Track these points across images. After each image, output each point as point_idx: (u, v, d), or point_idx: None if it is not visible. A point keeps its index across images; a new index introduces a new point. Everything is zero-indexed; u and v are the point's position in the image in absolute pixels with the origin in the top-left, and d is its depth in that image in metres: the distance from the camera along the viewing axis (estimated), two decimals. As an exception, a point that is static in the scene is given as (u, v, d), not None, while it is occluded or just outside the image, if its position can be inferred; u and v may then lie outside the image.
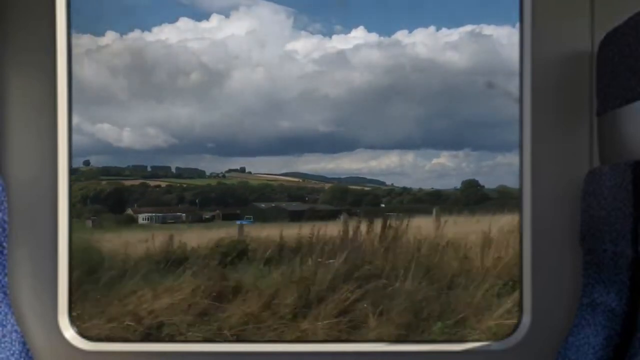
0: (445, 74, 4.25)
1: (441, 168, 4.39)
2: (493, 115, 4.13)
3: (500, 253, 3.84)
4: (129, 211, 4.45)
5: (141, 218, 4.46)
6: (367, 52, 4.30)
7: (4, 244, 1.58)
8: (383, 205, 4.62)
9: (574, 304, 1.54)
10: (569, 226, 1.57)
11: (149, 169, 4.69)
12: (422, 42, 4.23)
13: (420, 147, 4.49)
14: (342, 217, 4.25)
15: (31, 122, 1.65)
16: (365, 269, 3.80)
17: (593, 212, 1.46)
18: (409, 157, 4.47)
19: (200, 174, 4.69)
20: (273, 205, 4.63)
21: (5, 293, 1.59)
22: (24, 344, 1.61)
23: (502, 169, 4.17)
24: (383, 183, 4.73)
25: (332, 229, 4.09)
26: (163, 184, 4.66)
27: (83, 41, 3.85)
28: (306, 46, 4.30)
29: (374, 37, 4.27)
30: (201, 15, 4.66)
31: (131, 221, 4.42)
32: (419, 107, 4.39)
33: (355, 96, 4.35)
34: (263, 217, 4.52)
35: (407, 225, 4.02)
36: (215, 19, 4.27)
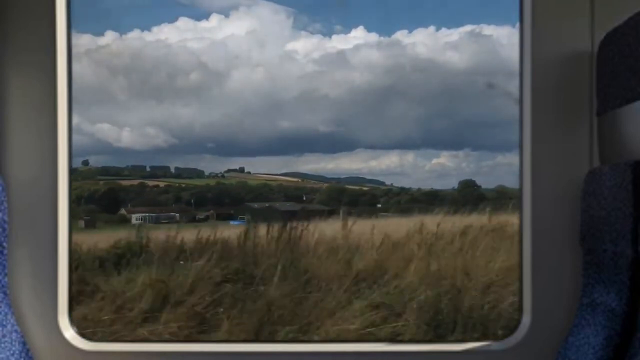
0: (445, 74, 4.25)
1: (441, 168, 4.39)
2: (493, 115, 4.13)
3: (385, 255, 3.85)
4: (123, 211, 4.44)
5: (134, 218, 4.45)
6: (367, 52, 4.30)
7: (4, 244, 1.58)
8: (379, 205, 4.62)
9: (574, 304, 1.54)
10: (569, 226, 1.57)
11: (148, 169, 4.69)
12: (422, 42, 4.23)
13: (420, 147, 4.49)
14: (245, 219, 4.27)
15: (31, 122, 1.65)
16: (239, 271, 3.77)
17: (593, 212, 1.46)
18: (409, 157, 4.47)
19: (199, 174, 4.69)
20: (266, 205, 4.62)
21: (5, 293, 1.59)
22: (24, 344, 1.61)
23: (502, 169, 4.17)
24: (382, 183, 4.72)
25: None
26: (162, 184, 4.66)
27: (82, 41, 3.85)
28: (306, 46, 4.30)
29: (373, 37, 4.27)
30: (201, 15, 4.66)
31: (124, 221, 4.41)
32: (418, 107, 4.39)
33: (355, 96, 4.34)
34: (256, 217, 4.52)
35: (307, 227, 3.99)
36: (215, 19, 4.27)
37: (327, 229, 4.10)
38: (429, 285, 3.65)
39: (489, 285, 3.67)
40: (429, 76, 4.26)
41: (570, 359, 1.44)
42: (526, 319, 1.64)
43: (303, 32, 4.43)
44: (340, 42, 4.28)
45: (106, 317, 3.48)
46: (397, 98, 4.35)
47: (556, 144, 1.61)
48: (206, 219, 4.56)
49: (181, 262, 3.82)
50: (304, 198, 4.70)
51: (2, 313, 1.56)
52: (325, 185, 4.78)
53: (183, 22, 4.24)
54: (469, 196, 4.38)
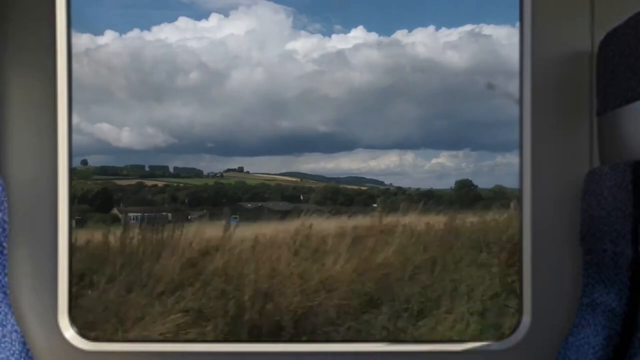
0: (444, 73, 4.25)
1: (441, 168, 4.39)
2: (493, 115, 4.13)
3: (232, 258, 3.87)
4: (115, 211, 4.43)
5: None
6: (366, 52, 4.30)
7: (4, 244, 1.58)
8: (375, 205, 4.62)
9: (574, 304, 1.54)
10: (569, 226, 1.57)
11: (146, 168, 4.69)
12: (422, 42, 4.24)
13: (420, 147, 4.49)
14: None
15: (31, 122, 1.65)
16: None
17: (593, 212, 1.46)
18: (409, 157, 4.47)
19: (197, 173, 4.69)
20: (259, 204, 4.61)
21: (5, 293, 1.59)
22: (24, 344, 1.61)
23: (501, 169, 4.18)
24: (382, 183, 4.73)
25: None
26: (160, 184, 4.65)
27: (82, 40, 3.85)
28: (306, 46, 4.30)
29: (373, 36, 4.27)
30: (200, 14, 4.66)
31: (116, 221, 4.40)
32: (418, 107, 4.39)
33: (355, 96, 4.35)
34: (249, 217, 4.51)
35: (182, 229, 4.03)
36: (214, 19, 4.27)
37: (211, 231, 4.15)
38: (245, 289, 3.70)
39: (304, 290, 3.72)
40: (429, 76, 4.27)
41: (570, 359, 1.44)
42: (526, 319, 1.64)
43: (303, 32, 4.44)
44: (339, 42, 4.29)
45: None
46: (397, 98, 4.36)
47: (556, 144, 1.61)
48: (198, 218, 4.55)
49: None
50: (301, 198, 4.70)
51: (2, 313, 1.56)
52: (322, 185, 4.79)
53: (183, 22, 4.24)
54: (465, 196, 4.39)
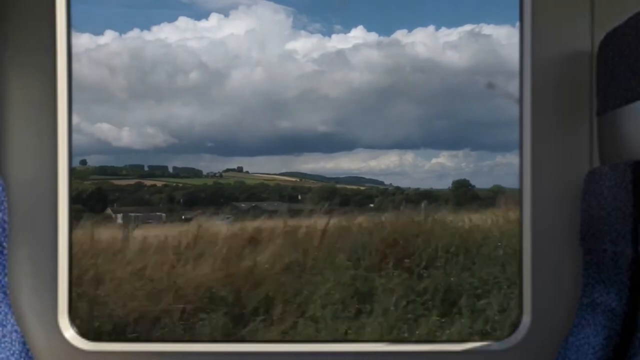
0: (444, 73, 4.25)
1: (441, 168, 4.39)
2: (493, 115, 4.13)
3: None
4: (108, 211, 4.43)
5: (120, 218, 4.44)
6: (366, 52, 4.30)
7: (4, 244, 1.58)
8: (372, 205, 4.62)
9: (574, 304, 1.54)
10: (569, 226, 1.57)
11: (146, 168, 4.69)
12: (422, 42, 4.24)
13: (420, 147, 4.50)
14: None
15: (31, 122, 1.65)
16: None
17: (593, 212, 1.46)
18: (409, 157, 4.47)
19: (197, 173, 4.68)
20: (253, 204, 4.61)
21: (5, 293, 1.59)
22: (24, 344, 1.61)
23: (501, 169, 4.18)
24: (382, 183, 4.73)
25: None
26: (159, 184, 4.65)
27: (82, 40, 3.85)
28: (306, 46, 4.30)
29: (373, 36, 4.27)
30: (200, 14, 4.66)
31: (108, 221, 4.40)
32: (418, 107, 4.39)
33: (355, 96, 4.35)
34: (242, 217, 4.51)
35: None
36: (214, 18, 4.27)
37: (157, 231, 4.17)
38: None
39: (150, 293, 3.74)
40: (429, 76, 4.27)
41: (570, 359, 1.44)
42: (526, 319, 1.64)
43: (303, 32, 4.44)
44: (339, 42, 4.29)
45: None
46: (397, 98, 4.36)
47: (556, 144, 1.61)
48: (192, 218, 4.54)
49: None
50: (299, 197, 4.70)
51: (2, 313, 1.56)
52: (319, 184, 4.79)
53: (183, 22, 4.24)
54: (462, 196, 4.39)
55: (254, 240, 4.08)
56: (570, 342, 1.47)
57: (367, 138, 4.55)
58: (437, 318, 3.64)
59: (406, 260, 3.90)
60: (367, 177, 4.69)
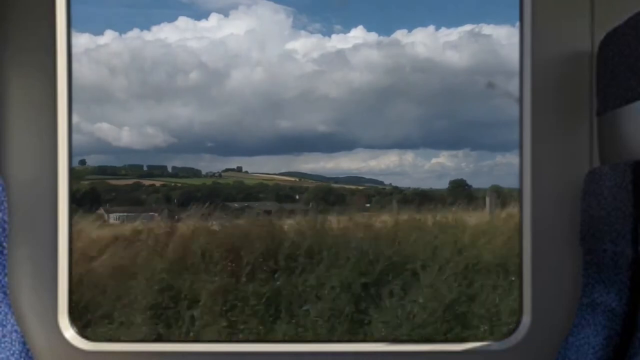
0: (444, 73, 4.25)
1: (441, 168, 4.39)
2: (493, 115, 4.13)
3: None
4: (101, 211, 4.42)
5: (112, 218, 4.43)
6: (366, 52, 4.30)
7: (4, 244, 1.58)
8: (368, 205, 4.62)
9: (574, 304, 1.54)
10: (569, 226, 1.57)
11: (145, 168, 4.68)
12: (422, 42, 4.24)
13: (420, 147, 4.50)
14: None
15: (31, 122, 1.65)
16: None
17: (593, 212, 1.46)
18: (409, 157, 4.47)
19: (196, 173, 4.68)
20: (246, 204, 4.60)
21: (5, 293, 1.59)
22: (24, 344, 1.61)
23: (501, 169, 4.18)
24: (382, 183, 4.73)
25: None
26: (157, 184, 4.65)
27: (82, 40, 3.85)
28: (305, 46, 4.30)
29: (373, 36, 4.27)
30: (200, 14, 4.66)
31: (101, 221, 4.39)
32: (418, 107, 4.39)
33: (355, 96, 4.35)
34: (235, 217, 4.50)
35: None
36: (214, 18, 4.27)
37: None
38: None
39: None
40: (429, 76, 4.27)
41: (570, 359, 1.44)
42: (526, 319, 1.64)
43: (302, 32, 4.44)
44: (339, 42, 4.29)
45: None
46: (397, 98, 4.36)
47: (556, 144, 1.61)
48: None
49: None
50: (297, 197, 4.70)
51: (2, 313, 1.56)
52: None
53: (183, 22, 4.24)
54: (458, 195, 4.39)
55: (116, 241, 4.10)
56: (570, 342, 1.47)
57: (367, 138, 4.56)
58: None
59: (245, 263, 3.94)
60: (367, 177, 4.70)
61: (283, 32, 4.34)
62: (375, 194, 4.67)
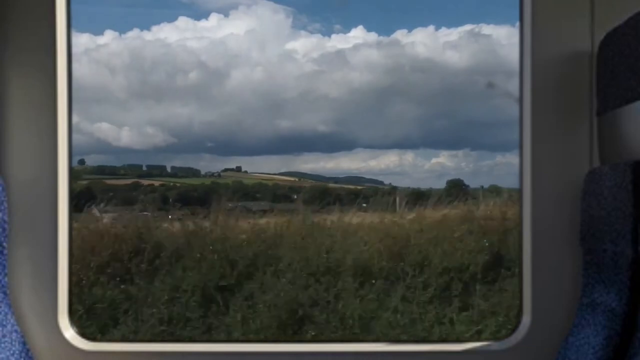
0: (444, 73, 4.26)
1: (441, 168, 4.40)
2: (493, 115, 4.14)
3: None
4: (95, 211, 4.42)
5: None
6: (366, 52, 4.30)
7: (4, 244, 1.58)
8: (365, 205, 4.62)
9: (574, 304, 1.54)
10: (569, 226, 1.57)
11: (144, 168, 4.68)
12: (422, 42, 4.24)
13: (420, 147, 4.50)
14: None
15: (31, 122, 1.65)
16: None
17: (593, 212, 1.46)
18: (409, 156, 4.48)
19: (195, 173, 4.68)
20: (239, 204, 4.60)
21: (5, 293, 1.59)
22: (24, 344, 1.61)
23: (501, 169, 4.18)
24: (382, 183, 4.73)
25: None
26: (156, 184, 4.64)
27: (82, 40, 3.85)
28: (305, 46, 4.31)
29: (373, 36, 4.28)
30: (200, 14, 4.67)
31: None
32: (418, 107, 4.39)
33: (355, 96, 4.35)
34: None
35: None
36: (214, 18, 4.27)
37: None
38: None
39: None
40: (429, 76, 4.27)
41: (570, 359, 1.44)
42: (526, 319, 1.64)
43: (302, 32, 4.44)
44: (339, 42, 4.30)
45: None
46: (397, 98, 4.36)
47: (556, 144, 1.61)
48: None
49: None
50: (295, 197, 4.70)
51: (2, 313, 1.56)
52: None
53: (183, 22, 4.24)
54: (455, 195, 4.39)
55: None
56: (570, 342, 1.47)
57: (366, 138, 4.56)
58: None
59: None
60: (367, 177, 4.70)
61: (283, 32, 4.35)
62: (373, 193, 4.66)
